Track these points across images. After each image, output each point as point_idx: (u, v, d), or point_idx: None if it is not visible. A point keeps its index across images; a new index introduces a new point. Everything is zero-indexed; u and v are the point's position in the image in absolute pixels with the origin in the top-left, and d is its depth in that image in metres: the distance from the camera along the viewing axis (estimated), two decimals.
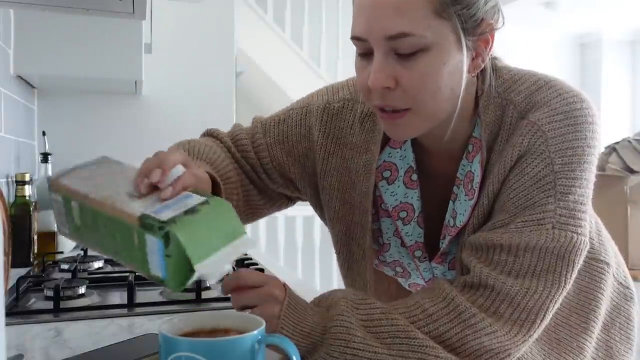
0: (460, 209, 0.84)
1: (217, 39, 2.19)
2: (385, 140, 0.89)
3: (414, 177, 0.88)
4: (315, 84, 4.40)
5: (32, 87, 1.92)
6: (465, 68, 0.75)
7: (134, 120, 2.06)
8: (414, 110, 0.75)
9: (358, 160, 0.90)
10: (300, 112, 0.94)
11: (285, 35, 4.50)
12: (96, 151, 2.00)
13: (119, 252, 0.65)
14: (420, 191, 0.88)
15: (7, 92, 1.58)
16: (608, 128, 5.81)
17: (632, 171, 2.31)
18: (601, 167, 2.45)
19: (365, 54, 0.76)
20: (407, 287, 0.99)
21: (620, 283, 0.97)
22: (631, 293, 0.98)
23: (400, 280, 0.98)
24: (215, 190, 0.81)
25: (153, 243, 0.59)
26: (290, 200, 1.03)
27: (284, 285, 0.77)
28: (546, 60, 6.03)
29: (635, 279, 2.27)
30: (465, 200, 0.83)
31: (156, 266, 0.61)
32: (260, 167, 0.95)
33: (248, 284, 0.75)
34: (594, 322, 0.90)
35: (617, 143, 2.46)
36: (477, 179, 0.81)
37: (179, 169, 0.68)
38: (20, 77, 1.74)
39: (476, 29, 0.74)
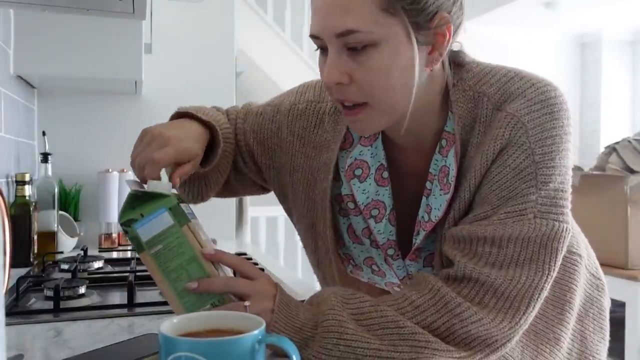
0: (435, 204, 0.85)
1: (217, 39, 2.19)
2: (352, 139, 0.91)
3: (385, 174, 0.89)
4: None
5: (32, 87, 1.92)
6: (417, 62, 0.75)
7: (134, 120, 2.05)
8: (371, 104, 0.77)
9: (320, 159, 0.92)
10: (273, 109, 0.99)
11: (285, 35, 4.51)
12: (96, 151, 2.01)
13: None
14: (392, 188, 0.89)
15: (7, 92, 1.58)
16: (608, 128, 5.82)
17: (632, 171, 2.31)
18: (601, 167, 2.45)
19: (323, 51, 0.78)
20: (383, 286, 1.00)
21: (592, 274, 0.98)
22: (602, 284, 1.00)
23: (376, 279, 0.99)
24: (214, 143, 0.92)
25: None
26: (262, 189, 1.07)
27: (276, 283, 0.80)
28: (546, 60, 6.04)
29: (635, 278, 2.27)
30: (440, 195, 0.84)
31: None
32: (237, 148, 1.00)
33: (244, 272, 0.79)
34: (569, 313, 0.91)
35: (617, 143, 2.46)
36: (453, 172, 0.82)
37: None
38: (20, 77, 1.74)
39: (429, 22, 0.74)
